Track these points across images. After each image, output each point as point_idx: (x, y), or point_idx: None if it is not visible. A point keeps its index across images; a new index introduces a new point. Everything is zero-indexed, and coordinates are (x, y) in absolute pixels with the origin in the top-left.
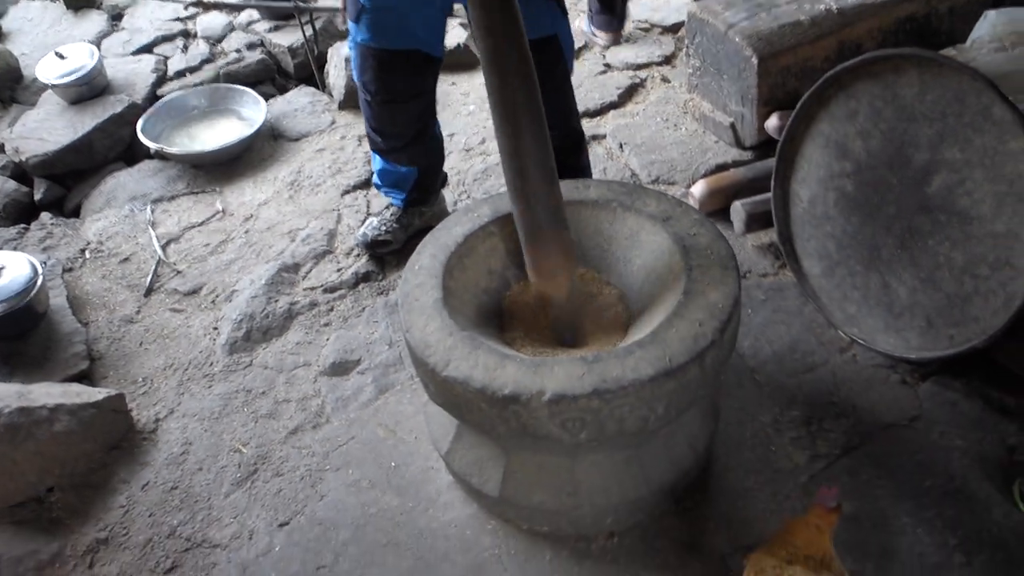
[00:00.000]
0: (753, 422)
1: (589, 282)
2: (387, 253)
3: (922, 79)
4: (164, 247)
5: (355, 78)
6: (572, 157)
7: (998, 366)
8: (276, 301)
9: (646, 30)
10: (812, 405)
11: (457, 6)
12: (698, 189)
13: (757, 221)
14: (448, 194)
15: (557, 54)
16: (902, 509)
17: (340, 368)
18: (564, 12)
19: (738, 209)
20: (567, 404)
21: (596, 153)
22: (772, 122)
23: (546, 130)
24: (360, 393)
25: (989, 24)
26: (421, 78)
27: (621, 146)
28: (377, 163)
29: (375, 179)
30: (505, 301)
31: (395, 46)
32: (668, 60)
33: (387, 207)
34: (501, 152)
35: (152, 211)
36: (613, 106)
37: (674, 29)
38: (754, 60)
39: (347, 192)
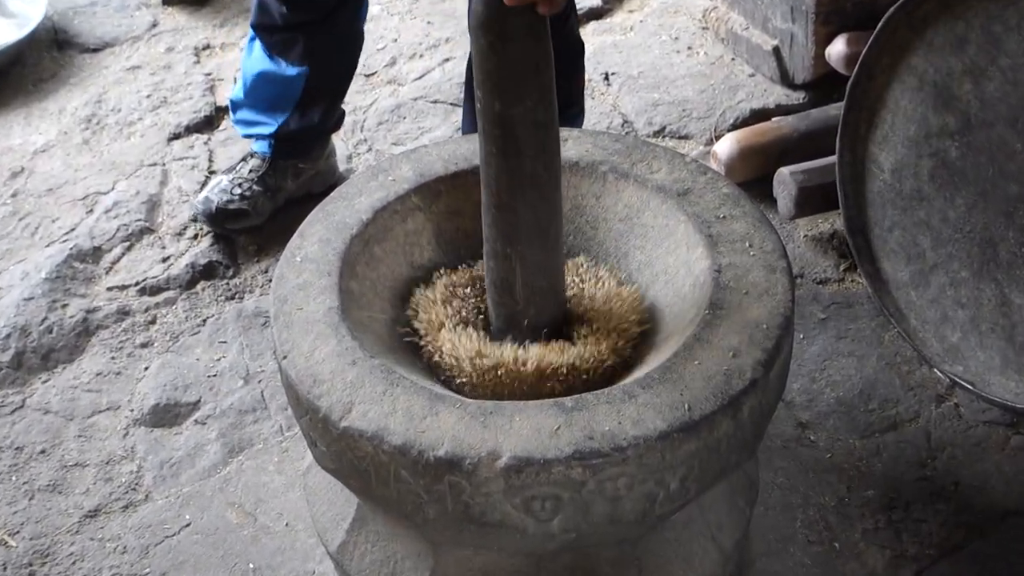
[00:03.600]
0: (807, 506)
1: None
2: (242, 231)
3: None
4: None
5: None
6: (563, 76)
7: None
8: (64, 307)
9: None
10: (895, 481)
11: None
12: (724, 148)
13: (813, 199)
14: (340, 143)
15: None
16: None
17: (167, 415)
18: None
19: (785, 179)
20: (533, 473)
21: None
22: (837, 48)
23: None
24: (199, 455)
25: None
26: None
27: (607, 77)
28: (255, 61)
29: (237, 94)
30: None
31: None
32: None
33: (245, 159)
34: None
35: None
36: (594, 15)
37: None
38: None
39: (177, 136)
